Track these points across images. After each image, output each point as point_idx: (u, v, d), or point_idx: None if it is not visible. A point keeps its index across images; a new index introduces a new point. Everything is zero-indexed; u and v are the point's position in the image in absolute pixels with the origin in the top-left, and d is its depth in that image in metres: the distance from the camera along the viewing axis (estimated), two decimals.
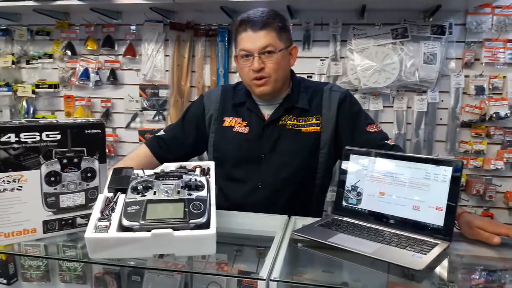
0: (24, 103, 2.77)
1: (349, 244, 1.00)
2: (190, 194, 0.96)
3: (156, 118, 2.67)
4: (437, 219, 1.05)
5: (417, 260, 0.91)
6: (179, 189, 0.97)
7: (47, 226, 1.02)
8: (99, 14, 2.55)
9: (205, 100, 1.54)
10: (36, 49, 2.79)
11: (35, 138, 0.99)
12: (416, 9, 2.25)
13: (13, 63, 2.76)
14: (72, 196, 1.05)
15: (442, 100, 2.33)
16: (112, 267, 1.30)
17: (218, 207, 1.45)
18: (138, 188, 0.97)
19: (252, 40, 1.32)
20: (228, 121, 1.46)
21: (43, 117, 2.77)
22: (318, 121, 1.39)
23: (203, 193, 0.97)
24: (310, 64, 2.44)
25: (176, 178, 1.01)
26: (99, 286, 1.36)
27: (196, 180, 1.00)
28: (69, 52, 2.69)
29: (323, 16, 2.39)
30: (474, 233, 1.08)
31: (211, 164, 1.14)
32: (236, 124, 1.44)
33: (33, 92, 2.76)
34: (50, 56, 2.76)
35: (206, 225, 0.91)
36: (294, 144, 1.38)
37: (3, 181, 0.95)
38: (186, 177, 1.01)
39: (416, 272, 0.87)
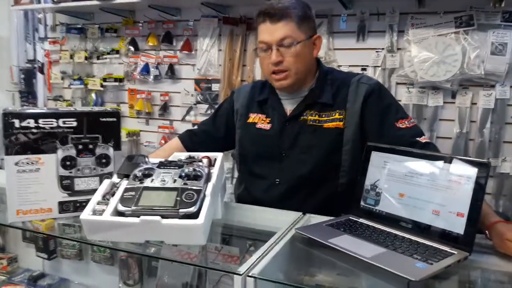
0: (93, 96, 3.01)
1: (349, 246, 0.92)
2: (186, 184, 0.96)
3: (209, 111, 2.72)
4: (457, 226, 0.93)
5: (417, 269, 0.81)
6: (176, 178, 0.97)
7: (63, 207, 1.09)
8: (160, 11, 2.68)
9: (235, 96, 1.53)
10: (105, 45, 3.00)
11: (52, 124, 1.06)
12: None
13: (85, 58, 3.01)
14: (86, 180, 1.11)
15: None
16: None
17: (242, 201, 1.46)
18: (138, 175, 1.00)
19: (270, 32, 1.28)
20: (252, 117, 1.45)
21: None
22: (341, 116, 1.30)
23: (200, 183, 0.96)
24: (365, 56, 2.31)
25: (177, 168, 1.02)
26: (123, 268, 1.43)
27: (195, 170, 1.00)
28: (132, 48, 2.86)
29: (379, 6, 2.25)
30: (504, 246, 0.94)
31: (219, 156, 1.13)
32: (260, 120, 1.42)
33: (101, 85, 2.99)
34: (117, 52, 2.95)
35: (196, 215, 0.90)
36: (313, 141, 1.31)
37: (22, 162, 1.04)
38: (186, 167, 1.01)
39: (412, 283, 0.77)
